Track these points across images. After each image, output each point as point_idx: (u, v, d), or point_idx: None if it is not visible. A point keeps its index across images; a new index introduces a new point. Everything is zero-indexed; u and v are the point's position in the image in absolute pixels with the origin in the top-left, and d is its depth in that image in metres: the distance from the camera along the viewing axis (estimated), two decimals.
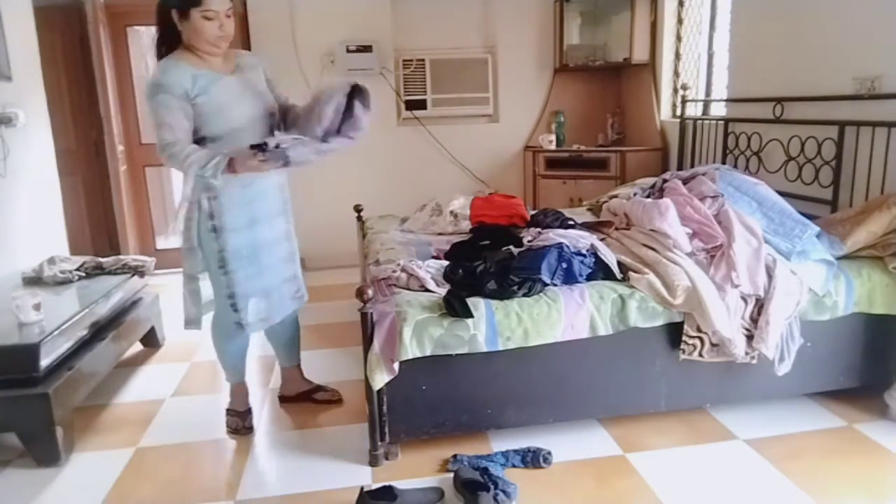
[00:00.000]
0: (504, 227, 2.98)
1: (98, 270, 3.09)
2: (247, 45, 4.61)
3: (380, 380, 2.07)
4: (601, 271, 2.34)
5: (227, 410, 2.53)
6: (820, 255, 2.36)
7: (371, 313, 2.12)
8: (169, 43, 2.19)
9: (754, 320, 2.25)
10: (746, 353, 2.24)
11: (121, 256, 3.26)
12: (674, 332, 2.26)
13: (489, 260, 2.38)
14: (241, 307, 2.29)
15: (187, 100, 2.10)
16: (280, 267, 2.41)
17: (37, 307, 2.40)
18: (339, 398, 2.70)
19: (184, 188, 2.17)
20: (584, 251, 2.34)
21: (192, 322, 2.35)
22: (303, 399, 2.70)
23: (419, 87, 4.87)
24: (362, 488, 1.92)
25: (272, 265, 2.37)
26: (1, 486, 2.17)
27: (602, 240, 2.52)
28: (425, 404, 2.19)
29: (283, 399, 2.73)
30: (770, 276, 2.27)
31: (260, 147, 2.01)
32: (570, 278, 2.27)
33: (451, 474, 2.07)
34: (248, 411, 2.53)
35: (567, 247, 2.32)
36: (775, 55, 3.33)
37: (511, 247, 2.53)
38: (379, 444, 2.19)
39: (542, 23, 4.92)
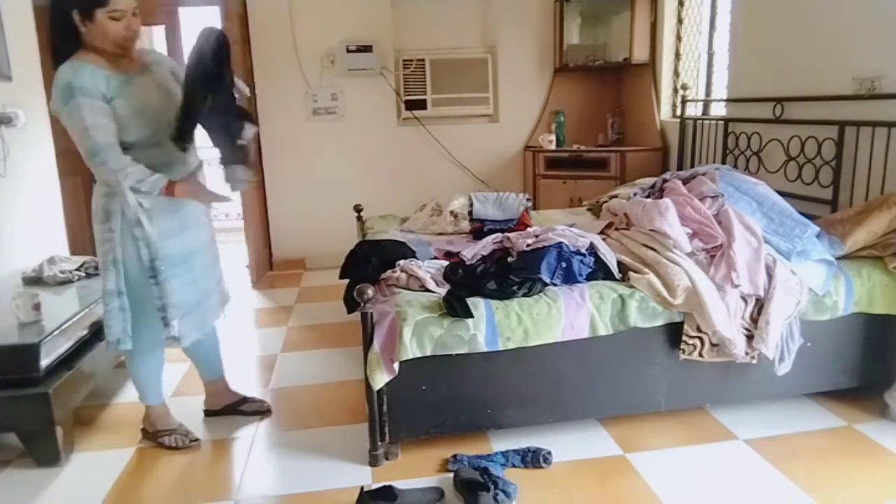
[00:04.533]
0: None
1: (98, 270, 3.08)
2: (247, 45, 4.61)
3: (380, 380, 2.07)
4: (601, 271, 2.34)
5: (158, 433, 2.36)
6: (820, 255, 2.35)
7: (371, 313, 2.12)
8: (65, 47, 1.99)
9: (754, 320, 2.25)
10: (746, 353, 2.24)
11: None
12: (674, 332, 2.26)
13: (489, 260, 2.37)
14: (172, 319, 2.15)
15: (106, 102, 1.96)
16: (209, 273, 2.35)
17: (37, 307, 2.40)
18: (267, 408, 2.60)
19: (100, 200, 2.08)
20: (583, 250, 2.34)
21: (120, 342, 2.17)
22: (229, 412, 2.58)
23: (419, 87, 4.87)
24: (362, 488, 1.92)
25: (203, 272, 2.30)
26: (1, 486, 2.17)
27: (603, 239, 2.52)
28: (425, 404, 2.19)
29: (209, 413, 2.59)
30: (770, 276, 2.27)
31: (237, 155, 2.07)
32: (569, 278, 2.27)
33: (451, 474, 2.08)
34: (181, 425, 2.41)
35: (566, 246, 2.32)
36: (775, 55, 3.33)
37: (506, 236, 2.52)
38: (379, 444, 2.19)
39: (542, 23, 4.92)
